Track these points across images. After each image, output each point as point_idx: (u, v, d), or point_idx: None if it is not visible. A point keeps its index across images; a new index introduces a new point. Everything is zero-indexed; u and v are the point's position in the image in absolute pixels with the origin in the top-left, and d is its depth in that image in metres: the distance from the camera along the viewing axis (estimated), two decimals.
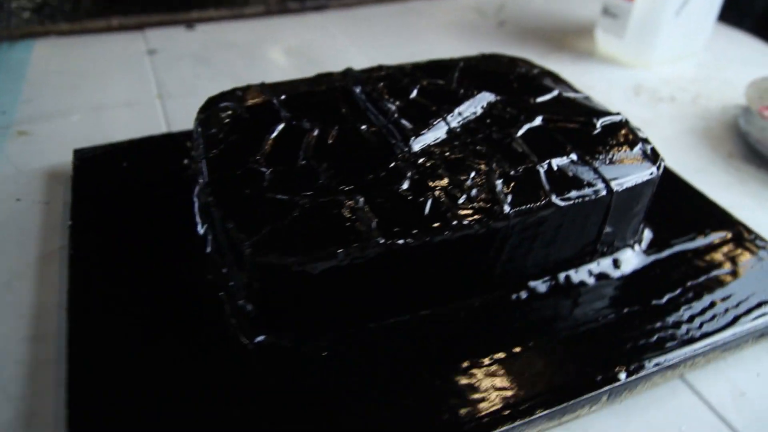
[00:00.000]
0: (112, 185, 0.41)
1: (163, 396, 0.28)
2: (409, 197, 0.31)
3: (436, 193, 0.31)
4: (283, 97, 0.38)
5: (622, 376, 0.30)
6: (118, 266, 0.35)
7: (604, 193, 0.34)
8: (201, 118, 0.37)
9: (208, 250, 0.35)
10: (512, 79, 0.42)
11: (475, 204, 0.31)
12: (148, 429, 0.26)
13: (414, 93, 0.39)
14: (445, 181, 0.32)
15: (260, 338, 0.31)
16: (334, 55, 0.66)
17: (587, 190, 0.33)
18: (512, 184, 0.32)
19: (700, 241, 0.40)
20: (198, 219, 0.37)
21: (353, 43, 0.70)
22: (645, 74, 0.67)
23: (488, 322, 0.33)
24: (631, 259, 0.38)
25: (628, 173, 0.35)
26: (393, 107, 0.37)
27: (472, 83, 0.41)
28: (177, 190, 0.40)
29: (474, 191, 0.32)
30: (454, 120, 0.37)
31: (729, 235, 0.40)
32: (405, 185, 0.31)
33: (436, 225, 0.30)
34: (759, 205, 0.47)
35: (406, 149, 0.34)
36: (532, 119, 0.37)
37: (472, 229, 0.30)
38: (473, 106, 0.38)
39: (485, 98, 0.39)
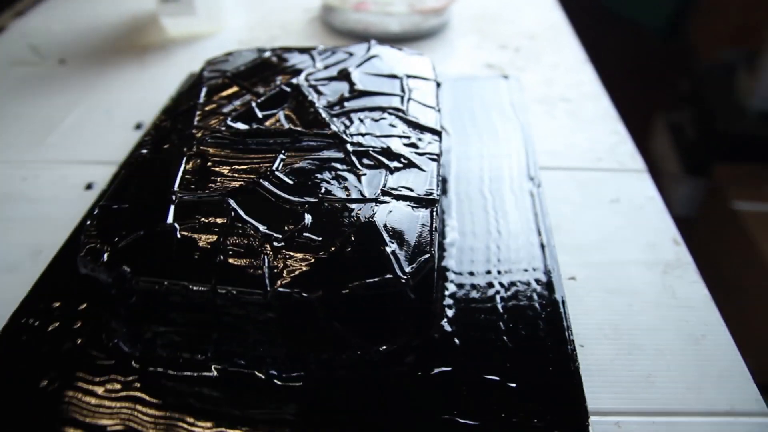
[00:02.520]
0: None
1: None
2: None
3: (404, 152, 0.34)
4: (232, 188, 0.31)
5: None
6: None
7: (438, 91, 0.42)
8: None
9: None
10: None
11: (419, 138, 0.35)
12: None
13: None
14: (398, 143, 0.35)
15: None
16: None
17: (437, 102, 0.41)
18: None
19: None
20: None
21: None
22: (236, 33, 0.72)
23: None
24: None
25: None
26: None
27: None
28: None
29: (414, 135, 0.36)
30: (328, 110, 0.38)
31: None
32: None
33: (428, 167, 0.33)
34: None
35: (350, 141, 0.34)
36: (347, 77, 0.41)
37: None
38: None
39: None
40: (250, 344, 0.29)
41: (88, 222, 0.31)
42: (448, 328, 0.32)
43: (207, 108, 0.38)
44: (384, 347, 0.29)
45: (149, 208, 0.30)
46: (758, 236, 1.03)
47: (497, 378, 0.30)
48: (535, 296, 0.34)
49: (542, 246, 0.37)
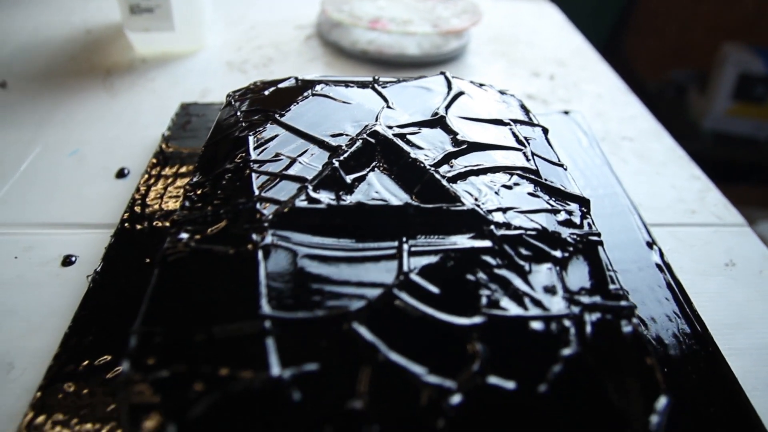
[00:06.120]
0: None
1: None
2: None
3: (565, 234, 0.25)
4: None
5: None
6: None
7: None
8: None
9: None
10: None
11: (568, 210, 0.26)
12: None
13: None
14: (551, 220, 0.26)
15: None
16: None
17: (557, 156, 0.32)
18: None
19: None
20: None
21: None
22: (220, 53, 0.61)
23: None
24: None
25: None
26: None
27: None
28: None
29: (562, 207, 0.27)
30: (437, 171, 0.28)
31: None
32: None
33: None
34: None
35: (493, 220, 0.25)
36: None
37: None
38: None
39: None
40: None
41: (127, 365, 0.20)
42: None
43: (264, 168, 0.27)
44: None
45: (227, 343, 0.20)
46: None
47: None
48: (726, 416, 0.26)
49: (699, 338, 0.29)
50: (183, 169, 0.40)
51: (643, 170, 0.46)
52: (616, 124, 0.52)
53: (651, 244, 0.35)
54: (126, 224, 0.36)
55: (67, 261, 0.36)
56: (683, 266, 0.37)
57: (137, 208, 0.37)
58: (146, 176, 0.40)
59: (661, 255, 0.34)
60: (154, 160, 0.42)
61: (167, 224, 0.34)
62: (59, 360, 0.28)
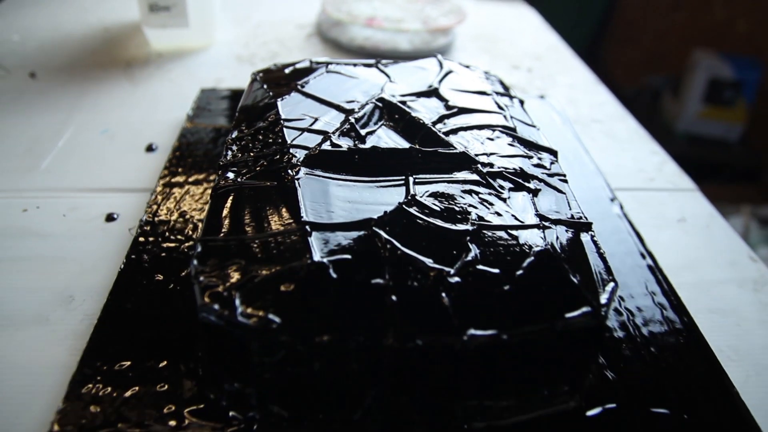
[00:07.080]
0: None
1: None
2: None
3: (536, 173, 0.31)
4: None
5: None
6: None
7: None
8: None
9: None
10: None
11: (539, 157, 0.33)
12: None
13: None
14: (526, 163, 0.32)
15: None
16: None
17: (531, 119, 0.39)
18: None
19: None
20: None
21: None
22: (230, 48, 0.67)
23: None
24: None
25: None
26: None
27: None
28: None
29: (534, 155, 0.33)
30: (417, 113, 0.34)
31: None
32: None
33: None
34: None
35: (480, 161, 0.31)
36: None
37: None
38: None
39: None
40: (416, 397, 0.25)
41: (195, 261, 0.25)
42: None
43: (292, 124, 0.33)
44: (567, 387, 0.25)
45: (277, 244, 0.25)
46: None
47: (666, 411, 0.27)
48: (669, 323, 0.32)
49: (651, 269, 0.36)
50: (208, 143, 0.46)
51: (609, 146, 0.53)
52: (586, 109, 0.59)
53: (613, 199, 0.41)
54: (163, 181, 0.41)
55: (110, 218, 0.41)
56: (641, 221, 0.44)
57: (172, 171, 0.43)
58: (175, 147, 0.45)
59: (621, 208, 0.41)
60: (182, 135, 0.47)
61: (202, 185, 0.40)
62: (118, 285, 0.33)
